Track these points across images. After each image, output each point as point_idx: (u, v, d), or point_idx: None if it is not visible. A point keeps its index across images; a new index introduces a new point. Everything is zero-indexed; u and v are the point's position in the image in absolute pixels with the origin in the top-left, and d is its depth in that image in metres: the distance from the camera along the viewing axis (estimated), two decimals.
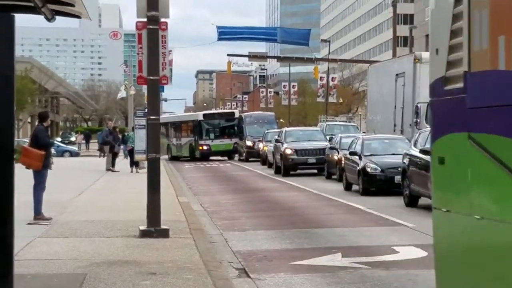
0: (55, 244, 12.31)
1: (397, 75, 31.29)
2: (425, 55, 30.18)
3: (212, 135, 53.05)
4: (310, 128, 45.11)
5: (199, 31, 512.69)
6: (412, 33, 69.04)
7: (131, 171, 33.17)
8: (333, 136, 35.77)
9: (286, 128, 40.04)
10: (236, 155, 53.37)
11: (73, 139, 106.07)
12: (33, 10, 8.53)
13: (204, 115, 55.88)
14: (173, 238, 12.94)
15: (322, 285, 9.79)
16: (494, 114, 5.25)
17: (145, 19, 13.22)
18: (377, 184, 22.58)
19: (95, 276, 9.61)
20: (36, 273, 9.86)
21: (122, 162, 39.01)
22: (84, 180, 28.12)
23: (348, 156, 24.65)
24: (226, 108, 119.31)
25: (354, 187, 24.14)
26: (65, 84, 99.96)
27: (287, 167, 33.29)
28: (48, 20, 9.04)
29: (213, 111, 79.60)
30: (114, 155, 35.34)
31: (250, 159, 48.73)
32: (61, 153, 61.07)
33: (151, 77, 13.19)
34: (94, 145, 71.99)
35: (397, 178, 21.29)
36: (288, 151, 33.25)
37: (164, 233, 13.00)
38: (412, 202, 19.25)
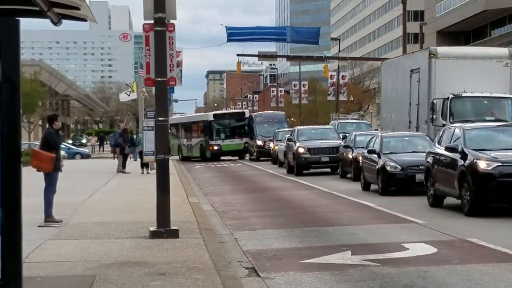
0: (65, 246, 12.36)
1: (411, 71, 30.70)
2: (441, 50, 29.72)
3: (222, 135, 53.14)
4: (322, 126, 44.35)
5: (209, 32, 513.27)
6: (422, 30, 68.92)
7: (142, 172, 33.25)
8: (347, 134, 35.47)
9: (299, 127, 39.63)
10: (247, 154, 53.43)
11: (84, 141, 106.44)
12: (39, 14, 8.56)
13: (215, 115, 55.98)
14: (183, 238, 12.96)
15: (332, 283, 9.79)
16: None
17: (152, 21, 13.25)
18: (397, 183, 21.82)
19: (104, 278, 9.64)
20: (45, 275, 9.90)
21: (133, 163, 39.13)
22: (94, 182, 28.22)
23: (366, 154, 23.82)
24: (236, 108, 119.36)
25: (373, 186, 23.42)
26: (75, 86, 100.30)
27: (300, 166, 32.88)
28: (55, 24, 9.07)
29: (223, 111, 79.70)
30: (125, 156, 35.45)
31: (261, 159, 48.78)
32: (72, 155, 61.32)
33: (159, 79, 13.22)
34: (108, 147, 72.18)
35: (418, 177, 20.71)
36: (301, 150, 32.83)
37: (174, 234, 13.03)
38: (436, 202, 18.44)
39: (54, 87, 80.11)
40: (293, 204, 20.72)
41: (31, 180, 18.67)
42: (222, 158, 53.32)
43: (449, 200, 18.29)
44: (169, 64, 13.32)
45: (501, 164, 16.17)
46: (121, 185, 27.37)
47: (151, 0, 13.07)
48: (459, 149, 17.06)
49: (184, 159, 56.18)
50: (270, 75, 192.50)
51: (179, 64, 52.04)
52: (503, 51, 30.58)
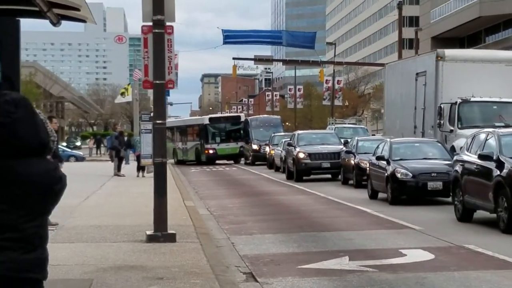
0: (61, 249, 12.27)
1: (417, 74, 29.69)
2: (449, 52, 28.81)
3: (218, 139, 53.08)
4: (323, 131, 43.03)
5: (204, 35, 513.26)
6: (417, 35, 69.02)
7: (138, 176, 33.16)
8: (348, 140, 34.78)
9: (299, 131, 38.19)
10: (242, 158, 53.35)
11: (78, 143, 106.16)
12: (39, 14, 8.50)
13: (210, 119, 55.91)
14: (180, 242, 12.90)
15: None
16: None
17: (150, 23, 13.20)
18: (408, 192, 20.54)
19: (101, 282, 9.58)
20: None
21: (128, 166, 39.01)
22: (90, 185, 28.10)
23: (374, 161, 22.57)
24: (231, 112, 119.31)
25: (381, 195, 22.14)
26: (70, 88, 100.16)
27: (300, 172, 31.84)
28: (54, 24, 9.00)
29: (219, 115, 79.66)
30: (120, 159, 35.35)
31: (256, 163, 48.67)
32: (66, 158, 61.10)
33: (157, 81, 13.16)
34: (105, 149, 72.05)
35: (431, 185, 19.98)
36: (301, 155, 31.78)
37: (171, 238, 12.96)
38: (466, 216, 16.43)
39: (49, 89, 80.00)
40: (290, 209, 20.67)
41: None
42: (217, 162, 53.24)
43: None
44: (167, 67, 13.27)
45: None
46: (117, 188, 27.28)
47: (150, 2, 13.02)
48: (494, 157, 15.28)
49: (179, 162, 56.08)
50: (266, 79, 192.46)
51: (175, 67, 52.08)
52: None
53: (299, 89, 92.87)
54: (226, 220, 17.90)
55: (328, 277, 10.45)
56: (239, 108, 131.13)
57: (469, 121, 26.25)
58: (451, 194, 17.53)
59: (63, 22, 9.49)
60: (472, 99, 26.46)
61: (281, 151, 38.06)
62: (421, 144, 23.55)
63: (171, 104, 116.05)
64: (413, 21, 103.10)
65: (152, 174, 16.16)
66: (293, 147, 32.96)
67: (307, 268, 11.26)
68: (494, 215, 15.21)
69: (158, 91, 13.29)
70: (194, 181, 34.06)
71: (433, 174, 20.06)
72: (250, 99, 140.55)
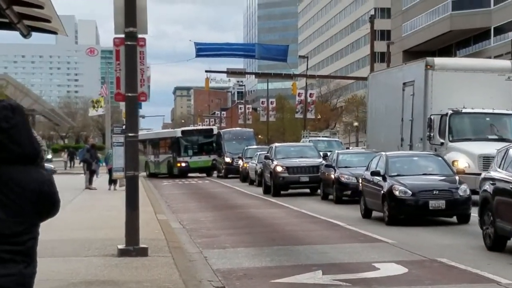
0: None
1: (404, 83, 28.30)
2: (438, 61, 27.70)
3: (190, 152, 52.92)
4: (302, 144, 41.48)
5: (174, 47, 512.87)
6: (389, 49, 69.46)
7: (109, 189, 32.90)
8: (328, 153, 33.99)
9: (276, 144, 36.88)
10: (215, 171, 53.21)
11: (49, 156, 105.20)
12: (8, 26, 8.38)
13: (182, 131, 55.77)
14: (152, 256, 12.76)
15: None
16: None
17: (123, 35, 13.09)
18: (407, 211, 18.53)
19: None
20: None
21: (100, 179, 38.70)
22: (61, 198, 27.74)
23: (368, 176, 20.51)
24: (204, 125, 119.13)
25: (375, 213, 20.07)
26: (41, 101, 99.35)
27: (277, 186, 30.47)
28: (24, 36, 8.89)
29: (191, 127, 79.45)
30: (92, 172, 35.06)
31: (229, 176, 48.56)
32: None
33: (129, 94, 13.05)
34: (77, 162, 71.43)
35: (432, 204, 18.11)
36: (279, 169, 30.44)
37: (143, 252, 12.82)
38: (498, 244, 13.92)
39: (19, 101, 79.22)
40: (263, 222, 20.57)
41: None
42: (190, 175, 53.05)
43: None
44: (140, 79, 13.16)
45: None
46: (88, 201, 27.03)
47: (122, 14, 12.91)
48: None
49: (151, 175, 55.80)
50: (238, 92, 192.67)
51: (147, 80, 51.87)
52: (506, 63, 28.61)
53: (271, 102, 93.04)
54: (198, 234, 17.77)
55: None
56: (212, 121, 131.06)
57: (460, 134, 25.37)
58: (478, 218, 14.73)
59: (34, 34, 9.39)
60: (464, 110, 25.39)
61: (256, 164, 37.78)
62: (419, 158, 21.56)
63: (143, 116, 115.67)
64: (385, 35, 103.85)
65: (124, 188, 16.01)
66: (270, 160, 31.75)
67: (280, 282, 11.18)
68: None
69: (130, 104, 13.17)
70: (166, 194, 33.87)
71: (435, 192, 18.36)
72: (222, 112, 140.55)
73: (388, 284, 10.88)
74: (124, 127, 21.68)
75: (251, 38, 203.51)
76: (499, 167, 14.42)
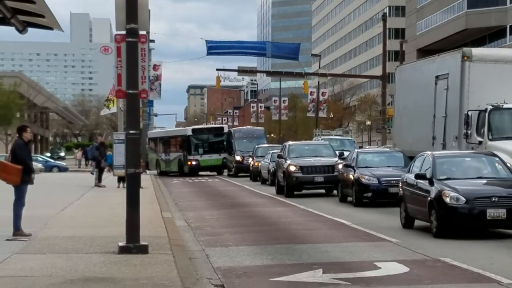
0: (31, 260, 12.07)
1: (437, 77, 26.14)
2: (476, 51, 25.46)
3: (200, 150, 52.93)
4: (316, 142, 39.50)
5: (187, 46, 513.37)
6: (403, 47, 69.19)
7: (118, 187, 32.91)
8: (344, 152, 32.86)
9: (290, 142, 34.86)
10: (225, 170, 53.17)
11: (62, 154, 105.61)
12: (2, 21, 8.35)
13: (193, 130, 55.78)
14: (152, 254, 12.71)
15: None
16: None
17: (124, 32, 13.04)
18: (460, 221, 15.79)
19: None
20: None
21: (110, 177, 38.77)
22: (69, 195, 27.86)
23: (411, 180, 17.72)
24: (217, 123, 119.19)
25: (418, 222, 17.58)
26: (54, 99, 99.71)
27: (290, 187, 29.05)
28: (20, 31, 8.86)
29: (201, 126, 79.52)
30: (101, 170, 35.11)
31: (240, 174, 48.46)
32: (49, 169, 60.80)
33: (130, 91, 12.99)
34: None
35: (491, 213, 15.49)
36: (292, 168, 28.95)
37: (143, 249, 12.77)
38: None
39: (33, 99, 79.58)
40: (268, 221, 20.49)
41: (1, 193, 18.36)
42: (200, 173, 53.05)
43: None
44: (141, 76, 13.10)
45: None
46: (95, 198, 27.04)
47: (123, 10, 12.86)
48: None
49: (162, 173, 55.87)
50: (251, 91, 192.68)
51: (158, 78, 51.82)
52: None
53: (284, 100, 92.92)
54: (202, 232, 17.72)
55: None
56: (224, 120, 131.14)
57: (500, 132, 23.14)
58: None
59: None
60: (505, 106, 23.25)
61: (269, 163, 37.25)
62: (472, 158, 18.67)
63: (156, 115, 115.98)
64: (399, 33, 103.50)
65: None
66: (283, 159, 30.37)
67: (279, 280, 11.11)
68: None
69: (131, 101, 13.11)
70: (175, 192, 33.86)
71: (493, 199, 15.68)
72: (235, 111, 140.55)
73: (388, 283, 10.78)
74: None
75: (265, 37, 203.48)
76: None
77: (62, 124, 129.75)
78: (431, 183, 16.69)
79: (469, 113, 23.52)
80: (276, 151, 39.01)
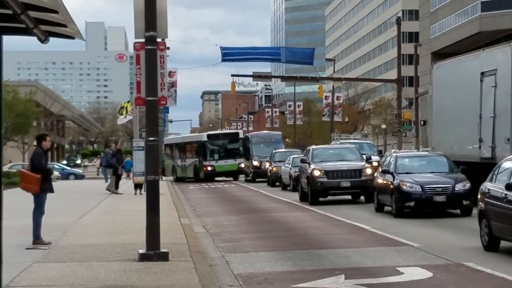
0: (52, 269, 12.08)
1: (482, 73, 24.16)
2: None
3: (216, 156, 52.89)
4: (342, 145, 37.20)
5: (202, 52, 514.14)
6: (417, 51, 68.96)
7: (135, 193, 32.96)
8: (372, 155, 31.30)
9: (314, 146, 33.03)
10: (242, 175, 53.03)
11: (78, 161, 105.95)
12: (25, 31, 8.34)
13: (208, 135, 55.78)
14: (173, 261, 12.69)
15: None
16: None
17: (143, 40, 13.05)
18: None
19: None
20: None
21: (127, 184, 38.85)
22: (86, 203, 27.91)
23: (497, 192, 14.18)
24: (231, 129, 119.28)
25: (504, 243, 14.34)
26: (70, 107, 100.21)
27: (315, 193, 27.30)
28: (42, 41, 8.85)
29: (217, 131, 79.56)
30: (118, 177, 35.17)
31: (257, 180, 48.16)
32: (66, 176, 60.99)
33: (150, 98, 12.99)
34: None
35: None
36: (317, 173, 27.24)
37: (164, 257, 12.75)
38: None
39: (49, 107, 79.97)
40: (286, 226, 20.42)
41: (22, 202, 18.42)
42: (216, 179, 53.01)
43: (438, 223, 17.80)
44: (160, 83, 13.10)
45: None
46: (113, 206, 27.07)
47: (142, 18, 12.88)
48: None
49: (178, 179, 55.90)
50: (265, 96, 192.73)
51: (173, 84, 51.79)
52: None
53: (298, 105, 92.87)
54: (221, 238, 17.68)
55: None
56: (239, 125, 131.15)
57: None
58: None
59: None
60: None
61: (290, 168, 36.57)
62: None
63: (171, 121, 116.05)
64: (413, 37, 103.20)
65: None
66: (307, 164, 28.74)
67: (301, 287, 11.04)
68: None
69: (151, 108, 13.11)
70: (191, 198, 33.85)
71: None
72: (250, 116, 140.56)
73: None
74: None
75: (279, 42, 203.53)
76: None
77: (78, 132, 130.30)
78: None
79: None
80: (297, 155, 38.63)
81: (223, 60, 51.31)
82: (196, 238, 16.83)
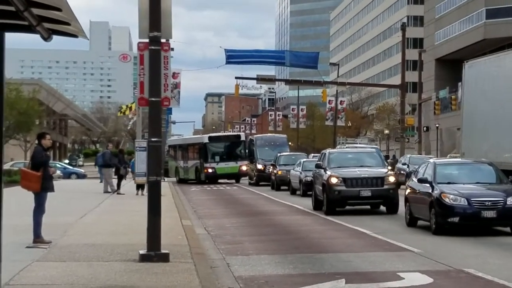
0: (52, 268, 12.05)
1: None
2: None
3: (217, 158, 52.80)
4: (361, 149, 33.64)
5: (204, 53, 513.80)
6: (421, 57, 68.92)
7: (137, 194, 32.94)
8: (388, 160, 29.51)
9: (330, 150, 29.92)
10: (245, 178, 52.79)
11: (81, 162, 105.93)
12: (28, 29, 8.32)
13: (210, 137, 55.73)
14: (174, 262, 12.66)
15: None
16: None
17: (147, 40, 13.03)
18: None
19: None
20: None
21: (129, 184, 38.83)
22: (88, 202, 27.90)
23: None
24: (234, 131, 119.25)
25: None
26: (73, 106, 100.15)
27: (332, 202, 24.71)
28: (45, 39, 8.82)
29: (218, 133, 79.50)
30: (120, 177, 35.15)
31: (261, 183, 47.50)
32: (68, 175, 60.98)
33: (153, 99, 12.97)
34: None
35: None
36: (334, 180, 24.64)
37: (164, 258, 12.72)
38: None
39: (52, 106, 79.93)
40: (288, 229, 20.38)
41: (23, 200, 18.39)
42: (219, 181, 52.90)
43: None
44: (163, 84, 13.08)
45: None
46: (114, 206, 27.05)
47: (146, 18, 12.85)
48: None
49: (181, 181, 55.88)
50: (269, 99, 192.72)
51: (177, 86, 51.79)
52: None
53: (302, 109, 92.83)
54: (223, 240, 17.65)
55: None
56: (242, 128, 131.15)
57: None
58: None
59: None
60: None
61: (300, 172, 35.67)
62: None
63: (174, 122, 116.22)
64: (417, 43, 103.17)
65: None
66: (323, 170, 26.17)
67: None
68: None
69: (154, 109, 13.09)
70: (193, 200, 33.83)
71: None
72: (253, 119, 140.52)
73: None
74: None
75: (283, 45, 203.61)
76: None
77: (80, 131, 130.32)
78: None
79: None
80: (307, 159, 38.14)
81: (228, 62, 51.28)
82: (197, 240, 16.80)
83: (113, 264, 12.50)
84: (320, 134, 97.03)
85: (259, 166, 49.18)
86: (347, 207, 25.28)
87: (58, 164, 67.82)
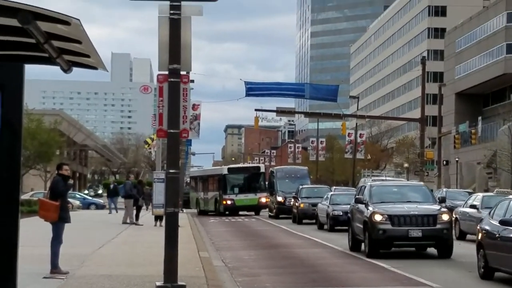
0: None
1: None
2: None
3: (236, 190, 52.64)
4: (408, 182, 30.01)
5: (224, 85, 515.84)
6: (441, 91, 68.84)
7: (155, 225, 32.94)
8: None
9: (371, 182, 27.01)
10: (265, 210, 52.31)
11: (100, 191, 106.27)
12: (48, 60, 8.42)
13: (229, 169, 55.68)
14: None
15: None
16: None
17: (166, 72, 13.11)
18: None
19: None
20: None
21: (146, 215, 38.85)
22: (106, 233, 27.93)
23: None
24: (254, 163, 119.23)
25: None
26: (94, 137, 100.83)
27: (376, 243, 21.45)
28: (65, 71, 8.92)
29: (237, 165, 79.44)
30: (138, 208, 35.19)
31: (281, 216, 46.58)
32: (87, 206, 61.18)
33: (171, 130, 13.00)
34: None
35: None
36: (378, 218, 21.47)
37: None
38: None
39: (73, 136, 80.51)
40: (306, 262, 20.26)
41: (42, 230, 18.45)
42: (239, 213, 52.59)
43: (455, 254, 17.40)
44: (182, 116, 13.13)
45: None
46: (132, 237, 27.05)
47: (166, 51, 12.94)
48: None
49: (202, 212, 55.66)
50: (288, 131, 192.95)
51: (197, 117, 52.00)
52: None
53: (321, 141, 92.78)
54: (240, 273, 17.57)
55: None
56: (262, 159, 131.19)
57: None
58: None
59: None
60: None
61: (328, 206, 34.73)
62: None
63: (193, 154, 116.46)
64: (438, 77, 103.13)
65: None
66: (364, 205, 22.84)
67: None
68: None
69: (172, 140, 13.12)
70: (212, 232, 33.76)
71: None
72: (272, 151, 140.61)
73: None
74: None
75: (303, 78, 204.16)
76: None
77: (100, 162, 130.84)
78: None
79: None
80: (335, 192, 37.53)
81: (247, 94, 51.48)
82: (214, 272, 16.74)
83: None
84: (339, 166, 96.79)
85: (279, 199, 48.48)
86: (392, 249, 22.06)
87: (78, 194, 68.07)
